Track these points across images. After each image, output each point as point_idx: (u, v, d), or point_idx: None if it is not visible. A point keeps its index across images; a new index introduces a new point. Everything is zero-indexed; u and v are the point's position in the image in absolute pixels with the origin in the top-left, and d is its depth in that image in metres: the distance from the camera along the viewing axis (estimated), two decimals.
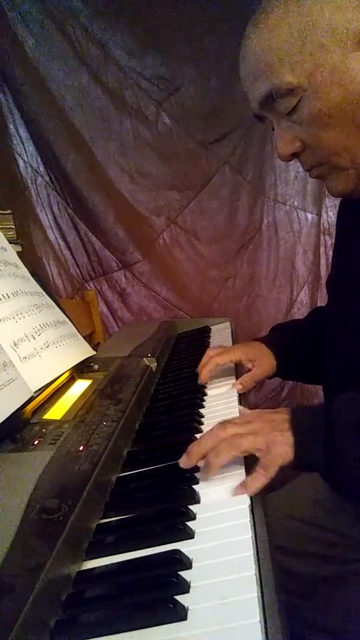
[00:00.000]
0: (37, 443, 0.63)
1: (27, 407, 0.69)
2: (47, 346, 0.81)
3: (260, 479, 0.53)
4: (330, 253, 1.13)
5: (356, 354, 0.72)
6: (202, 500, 0.54)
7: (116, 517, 0.55)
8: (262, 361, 0.88)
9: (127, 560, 0.47)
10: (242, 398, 0.81)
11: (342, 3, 0.57)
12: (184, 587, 0.41)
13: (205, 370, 0.87)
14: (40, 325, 0.82)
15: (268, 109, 0.65)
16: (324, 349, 0.82)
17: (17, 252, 0.93)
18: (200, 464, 0.58)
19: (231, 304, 1.79)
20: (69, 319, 0.96)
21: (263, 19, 0.61)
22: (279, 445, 0.54)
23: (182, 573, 0.42)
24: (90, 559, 0.49)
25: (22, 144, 1.63)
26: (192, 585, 0.42)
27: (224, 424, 0.59)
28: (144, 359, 0.97)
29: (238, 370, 0.91)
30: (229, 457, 0.56)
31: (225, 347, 0.93)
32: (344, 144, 0.62)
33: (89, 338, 1.10)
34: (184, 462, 0.58)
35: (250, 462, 0.57)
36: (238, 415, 0.72)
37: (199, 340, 1.24)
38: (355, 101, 0.59)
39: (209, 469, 0.56)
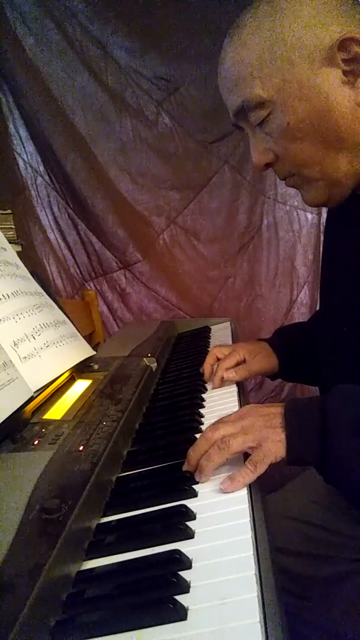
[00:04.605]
0: (37, 443, 0.63)
1: (27, 407, 0.69)
2: (47, 346, 0.81)
3: (248, 475, 0.53)
4: None
5: (349, 358, 0.72)
6: (202, 500, 0.54)
7: (116, 517, 0.55)
8: (261, 357, 0.88)
9: (127, 560, 0.47)
10: (243, 398, 0.81)
11: (311, 21, 0.59)
12: (184, 587, 0.41)
13: (217, 379, 0.86)
14: (40, 325, 0.82)
15: (242, 120, 0.67)
16: (320, 352, 0.82)
17: (17, 252, 0.93)
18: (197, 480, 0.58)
19: (231, 304, 1.79)
20: (69, 319, 0.96)
21: (237, 32, 0.63)
22: (270, 442, 0.54)
23: (182, 573, 0.42)
24: (90, 559, 0.49)
25: (22, 144, 1.63)
26: (192, 585, 0.42)
27: (215, 424, 0.59)
28: (144, 359, 0.97)
29: None
30: (220, 461, 0.56)
31: (229, 346, 0.93)
32: (313, 156, 0.64)
33: (89, 338, 1.10)
34: (186, 469, 0.59)
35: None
36: None
37: (199, 340, 1.24)
38: (322, 116, 0.61)
39: (201, 473, 0.57)
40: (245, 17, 0.62)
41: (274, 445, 0.54)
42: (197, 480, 0.57)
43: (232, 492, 0.53)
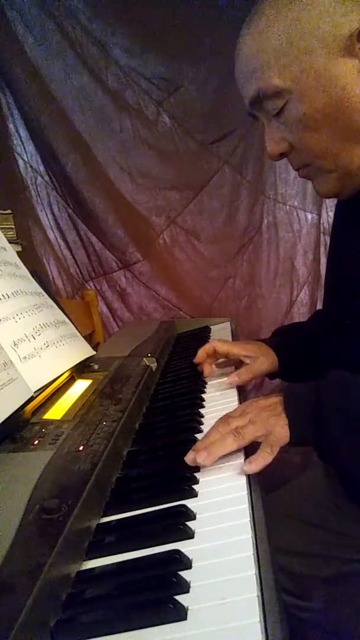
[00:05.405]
0: (37, 443, 0.63)
1: (27, 407, 0.69)
2: (47, 346, 0.81)
3: (266, 457, 0.56)
4: None
5: (352, 354, 0.72)
6: (202, 499, 0.54)
7: (116, 517, 0.55)
8: (261, 357, 0.88)
9: (127, 560, 0.47)
10: (242, 398, 0.81)
11: (330, 9, 0.58)
12: (184, 587, 0.41)
13: (201, 349, 0.90)
14: (40, 325, 0.82)
15: (258, 109, 0.67)
16: (322, 348, 0.82)
17: (17, 252, 0.93)
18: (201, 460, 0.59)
19: (231, 304, 1.79)
20: (69, 319, 0.96)
21: (255, 21, 0.62)
22: (277, 427, 0.59)
23: (182, 573, 0.42)
24: (90, 559, 0.49)
25: (22, 144, 1.63)
26: (192, 585, 0.42)
27: (225, 419, 0.63)
28: (144, 359, 0.97)
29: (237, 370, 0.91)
30: (233, 448, 0.59)
31: (229, 342, 0.94)
32: (328, 147, 0.64)
33: (89, 338, 1.10)
34: (189, 458, 0.60)
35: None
36: None
37: (199, 340, 1.24)
38: (338, 107, 0.61)
39: (210, 454, 0.58)
40: (263, 6, 0.62)
41: (282, 430, 0.59)
42: (200, 460, 0.58)
43: (255, 472, 0.56)
